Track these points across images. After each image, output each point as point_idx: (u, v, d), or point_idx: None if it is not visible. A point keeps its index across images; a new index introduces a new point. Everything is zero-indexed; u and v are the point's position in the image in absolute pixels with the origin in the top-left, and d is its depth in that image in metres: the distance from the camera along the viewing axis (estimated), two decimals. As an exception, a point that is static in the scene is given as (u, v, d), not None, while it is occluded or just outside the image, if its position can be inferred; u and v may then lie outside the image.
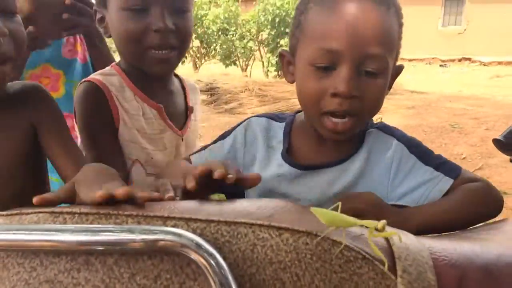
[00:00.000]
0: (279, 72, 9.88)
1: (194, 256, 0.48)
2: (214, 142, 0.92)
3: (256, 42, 10.44)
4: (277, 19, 9.66)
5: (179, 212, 0.54)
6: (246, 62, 10.98)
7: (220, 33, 10.75)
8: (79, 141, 1.03)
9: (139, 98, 1.03)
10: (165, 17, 0.95)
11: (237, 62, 10.88)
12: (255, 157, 0.88)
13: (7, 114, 0.85)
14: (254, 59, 10.86)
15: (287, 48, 0.87)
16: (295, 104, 6.97)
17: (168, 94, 1.09)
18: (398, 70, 0.85)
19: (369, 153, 0.85)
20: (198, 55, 11.85)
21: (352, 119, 0.79)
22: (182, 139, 1.09)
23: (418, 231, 0.66)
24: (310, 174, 0.85)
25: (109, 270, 0.49)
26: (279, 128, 0.90)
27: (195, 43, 11.44)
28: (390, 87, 0.84)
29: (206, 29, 10.78)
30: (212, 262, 0.48)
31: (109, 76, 1.02)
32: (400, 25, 0.81)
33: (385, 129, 0.88)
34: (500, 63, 12.33)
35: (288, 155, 0.87)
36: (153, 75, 1.02)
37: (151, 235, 0.48)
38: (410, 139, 0.87)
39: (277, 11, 9.60)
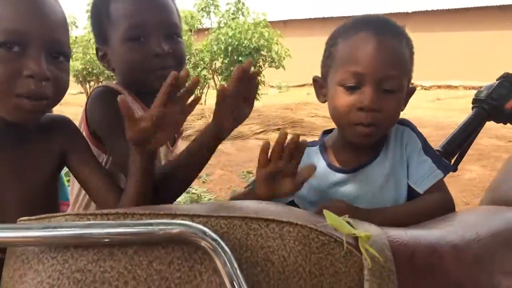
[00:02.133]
0: (234, 99, 10.10)
1: (202, 242, 0.59)
2: None
3: (210, 70, 10.63)
4: (229, 48, 9.91)
5: (184, 210, 0.65)
6: (201, 90, 11.11)
7: (174, 62, 10.85)
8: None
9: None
10: (162, 43, 1.08)
11: (192, 91, 10.99)
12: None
13: (40, 141, 0.94)
14: (208, 87, 11.03)
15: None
16: (253, 130, 7.14)
17: None
18: (411, 90, 1.05)
19: (394, 142, 1.03)
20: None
21: (375, 128, 0.97)
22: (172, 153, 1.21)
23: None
24: (355, 176, 1.02)
25: (130, 259, 0.59)
26: (314, 152, 1.07)
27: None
28: (405, 104, 1.03)
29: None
30: (217, 246, 0.59)
31: (118, 87, 1.12)
32: (411, 53, 1.01)
33: (399, 121, 1.05)
34: (439, 87, 13.18)
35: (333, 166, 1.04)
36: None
37: (166, 226, 0.58)
38: (416, 130, 1.05)
39: (230, 40, 9.85)
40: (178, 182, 1.03)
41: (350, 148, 1.04)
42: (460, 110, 9.15)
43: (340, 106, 0.98)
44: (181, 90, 0.88)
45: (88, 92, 12.29)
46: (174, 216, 0.63)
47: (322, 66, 1.06)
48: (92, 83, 12.25)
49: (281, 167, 0.88)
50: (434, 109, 9.13)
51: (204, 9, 11.16)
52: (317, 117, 7.88)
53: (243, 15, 10.91)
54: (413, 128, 1.05)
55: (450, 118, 8.12)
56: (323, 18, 16.55)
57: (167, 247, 0.60)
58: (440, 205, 0.97)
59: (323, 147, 1.08)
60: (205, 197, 4.08)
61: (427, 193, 0.99)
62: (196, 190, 4.21)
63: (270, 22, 10.60)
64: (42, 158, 0.95)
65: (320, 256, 0.65)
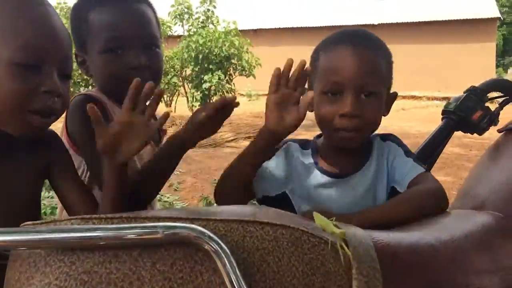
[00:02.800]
0: (204, 107, 10.09)
1: (204, 244, 0.62)
2: None
3: (180, 78, 10.61)
4: (200, 56, 9.93)
5: (184, 214, 0.68)
6: (171, 98, 11.06)
7: (143, 69, 10.76)
8: None
9: None
10: (140, 56, 1.11)
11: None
12: (296, 171, 1.09)
13: (27, 152, 0.95)
14: (179, 94, 10.99)
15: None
16: (224, 138, 7.17)
17: None
18: (393, 96, 1.12)
19: (377, 157, 1.09)
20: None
21: (357, 133, 1.03)
22: None
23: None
24: (339, 182, 1.07)
25: (135, 260, 0.62)
26: (307, 153, 1.12)
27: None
28: (388, 110, 1.11)
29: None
30: (218, 248, 0.63)
31: (97, 94, 1.14)
32: (388, 62, 1.09)
33: (382, 136, 1.14)
34: (404, 97, 13.62)
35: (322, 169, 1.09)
36: None
37: (170, 230, 0.62)
38: (398, 140, 1.13)
39: (200, 48, 9.87)
40: (147, 188, 1.08)
41: (336, 154, 1.10)
42: (423, 120, 9.50)
43: (323, 114, 1.04)
44: (147, 102, 0.92)
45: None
46: (176, 219, 0.66)
47: (308, 77, 1.12)
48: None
49: (289, 93, 0.94)
50: (399, 119, 9.41)
51: (178, 16, 11.12)
52: (287, 125, 7.97)
53: (212, 23, 10.95)
54: (393, 139, 1.12)
55: (415, 128, 8.40)
56: (293, 28, 16.82)
57: (169, 249, 0.63)
58: (427, 195, 0.98)
59: (314, 149, 1.13)
60: (177, 205, 4.07)
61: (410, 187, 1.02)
62: (168, 198, 4.20)
63: (240, 30, 10.70)
64: (29, 169, 0.96)
65: (311, 257, 0.70)
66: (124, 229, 0.62)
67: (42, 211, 3.52)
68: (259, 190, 1.06)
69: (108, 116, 1.10)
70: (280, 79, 0.95)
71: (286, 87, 0.95)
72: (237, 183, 1.02)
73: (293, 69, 0.95)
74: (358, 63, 1.02)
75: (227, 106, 1.00)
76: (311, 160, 1.10)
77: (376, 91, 1.04)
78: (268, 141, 0.99)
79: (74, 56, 1.18)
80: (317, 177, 1.08)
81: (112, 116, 1.11)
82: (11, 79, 0.83)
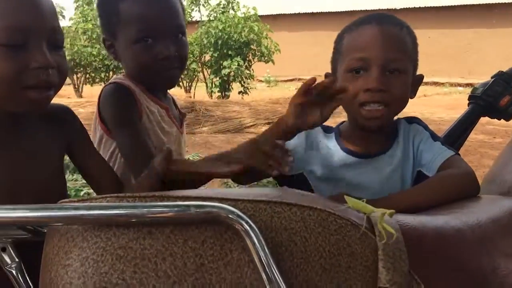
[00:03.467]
0: (223, 93, 10.14)
1: (234, 223, 0.64)
2: None
3: (199, 63, 10.62)
4: (219, 42, 9.91)
5: (214, 194, 0.69)
6: (190, 84, 11.10)
7: (163, 54, 10.81)
8: (97, 138, 1.16)
9: (151, 101, 1.20)
10: (169, 46, 1.15)
11: (181, 83, 10.99)
12: (318, 152, 1.10)
13: (45, 131, 0.98)
14: (198, 80, 11.02)
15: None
16: (243, 123, 7.18)
17: (168, 100, 1.30)
18: (419, 78, 1.11)
19: (403, 139, 1.09)
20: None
21: (383, 107, 1.02)
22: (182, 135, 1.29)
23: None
24: (366, 163, 1.07)
25: (167, 237, 0.64)
26: (331, 137, 1.13)
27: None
28: (414, 92, 1.10)
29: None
30: (247, 227, 0.64)
31: (126, 81, 1.18)
32: (414, 41, 1.08)
33: (408, 119, 1.13)
34: (426, 83, 13.38)
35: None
36: (165, 88, 1.25)
37: (202, 209, 0.63)
38: (424, 123, 1.13)
39: (220, 33, 9.85)
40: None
41: (362, 137, 1.09)
42: (445, 107, 9.34)
43: (349, 91, 1.02)
44: None
45: (75, 84, 12.19)
46: (206, 199, 0.68)
47: (331, 62, 1.13)
48: (79, 74, 12.13)
49: (315, 100, 0.94)
50: (421, 105, 9.27)
51: (194, 2, 11.10)
52: (306, 111, 7.94)
53: (233, 9, 10.90)
54: (419, 122, 1.11)
55: (436, 114, 8.27)
56: (312, 13, 16.62)
57: (200, 227, 0.65)
58: (458, 179, 0.96)
59: (338, 133, 1.14)
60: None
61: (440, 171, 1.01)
62: (188, 182, 4.24)
63: (260, 16, 10.63)
64: (49, 147, 0.98)
65: (338, 238, 0.71)
66: (158, 207, 0.64)
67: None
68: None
69: (136, 103, 1.14)
70: (311, 87, 0.93)
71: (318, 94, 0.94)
72: None
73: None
74: (383, 38, 1.02)
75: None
76: (335, 143, 1.11)
77: (402, 68, 1.03)
78: (285, 133, 0.98)
79: (102, 40, 1.21)
80: (342, 157, 1.08)
81: (140, 103, 1.15)
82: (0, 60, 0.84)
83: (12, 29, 0.84)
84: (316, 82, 0.94)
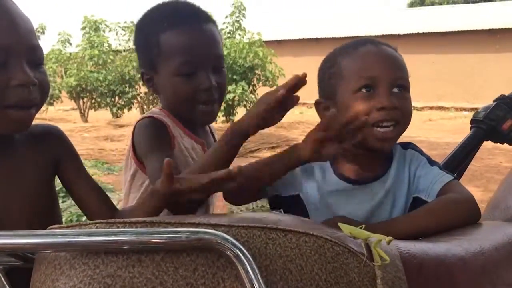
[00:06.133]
0: (228, 117, 10.17)
1: (226, 250, 0.62)
2: None
3: (205, 88, 10.69)
4: (224, 67, 10.01)
5: (206, 220, 0.68)
6: (195, 108, 11.16)
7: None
8: (129, 174, 1.15)
9: (186, 135, 1.18)
10: (210, 77, 1.13)
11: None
12: (312, 175, 1.08)
13: (32, 151, 0.97)
14: (203, 105, 11.06)
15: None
16: (247, 148, 7.18)
17: (205, 133, 1.27)
18: None
19: (397, 165, 1.07)
20: (146, 101, 11.94)
21: (396, 127, 1.01)
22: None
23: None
24: (358, 189, 1.05)
25: (157, 265, 0.62)
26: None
27: (142, 89, 11.57)
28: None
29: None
30: (240, 254, 0.62)
31: (161, 116, 1.16)
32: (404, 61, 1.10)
33: (403, 145, 1.11)
34: (431, 108, 13.40)
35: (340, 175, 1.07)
36: (202, 124, 1.24)
37: (193, 235, 0.62)
38: (419, 149, 1.11)
39: (225, 58, 9.95)
40: None
41: (356, 160, 1.07)
42: (451, 131, 9.31)
43: (360, 111, 1.00)
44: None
45: (81, 109, 12.30)
46: (198, 225, 0.66)
47: (324, 88, 1.10)
48: (85, 99, 12.26)
49: (336, 135, 0.93)
50: (426, 130, 9.25)
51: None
52: (311, 136, 7.96)
53: (239, 35, 11.05)
54: (414, 147, 1.10)
55: (442, 139, 8.23)
56: (317, 38, 16.81)
57: (191, 254, 0.63)
58: (458, 205, 0.94)
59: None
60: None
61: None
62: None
63: (264, 41, 10.76)
64: (35, 168, 0.97)
65: (335, 265, 0.68)
66: (148, 233, 0.62)
67: (68, 218, 3.58)
68: (271, 189, 1.06)
69: (170, 137, 1.13)
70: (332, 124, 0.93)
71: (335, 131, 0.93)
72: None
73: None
74: (387, 57, 1.04)
75: (299, 85, 0.95)
76: (329, 167, 1.09)
77: (406, 86, 1.05)
78: (295, 165, 0.98)
79: (140, 74, 1.22)
80: (334, 182, 1.06)
81: (174, 137, 1.14)
82: None
83: None
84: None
